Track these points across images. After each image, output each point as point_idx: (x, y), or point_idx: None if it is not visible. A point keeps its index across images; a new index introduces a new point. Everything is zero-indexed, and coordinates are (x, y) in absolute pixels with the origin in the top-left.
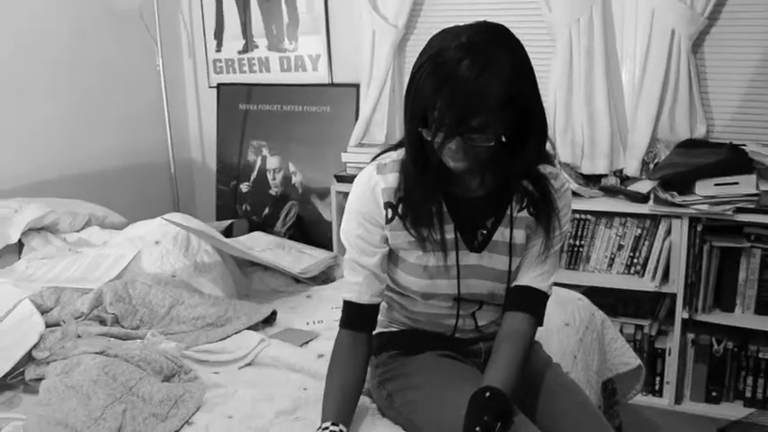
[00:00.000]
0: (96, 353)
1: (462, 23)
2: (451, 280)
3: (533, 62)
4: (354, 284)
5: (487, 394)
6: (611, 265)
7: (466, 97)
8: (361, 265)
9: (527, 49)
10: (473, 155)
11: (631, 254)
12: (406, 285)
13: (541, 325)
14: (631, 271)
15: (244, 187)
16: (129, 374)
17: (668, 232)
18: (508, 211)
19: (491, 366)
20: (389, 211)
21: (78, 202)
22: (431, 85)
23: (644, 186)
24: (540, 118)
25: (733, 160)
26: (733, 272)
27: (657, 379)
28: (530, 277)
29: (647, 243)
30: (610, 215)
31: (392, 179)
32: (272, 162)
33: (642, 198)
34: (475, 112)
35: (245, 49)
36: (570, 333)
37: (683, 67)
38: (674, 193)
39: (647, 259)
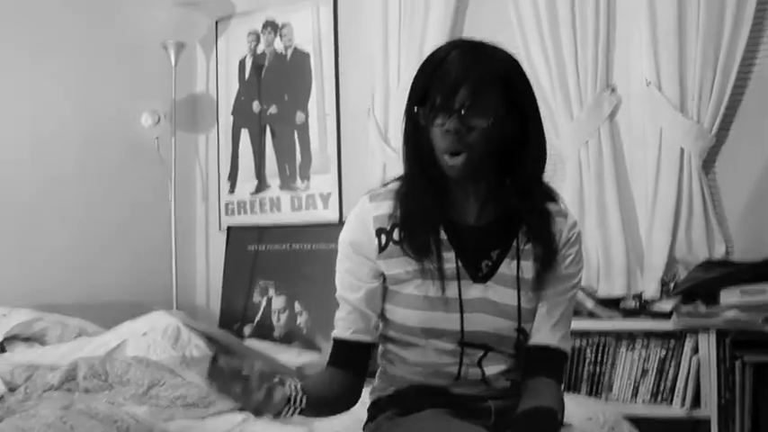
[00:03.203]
0: (59, 408)
1: None
2: (453, 314)
3: None
4: (338, 320)
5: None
6: (635, 393)
7: (456, 73)
8: (345, 300)
9: None
10: (468, 143)
11: (657, 378)
12: (403, 322)
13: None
14: (659, 399)
15: (247, 330)
16: (89, 428)
17: (695, 350)
18: (514, 243)
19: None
20: (383, 237)
21: (71, 318)
22: (423, 76)
23: (665, 306)
24: (536, 128)
25: (758, 269)
26: None
27: None
28: (541, 332)
29: (673, 365)
30: (631, 337)
31: (385, 206)
32: (278, 302)
33: (665, 315)
34: (465, 84)
35: (258, 190)
36: (594, 427)
37: (696, 185)
38: (698, 302)
39: (674, 383)
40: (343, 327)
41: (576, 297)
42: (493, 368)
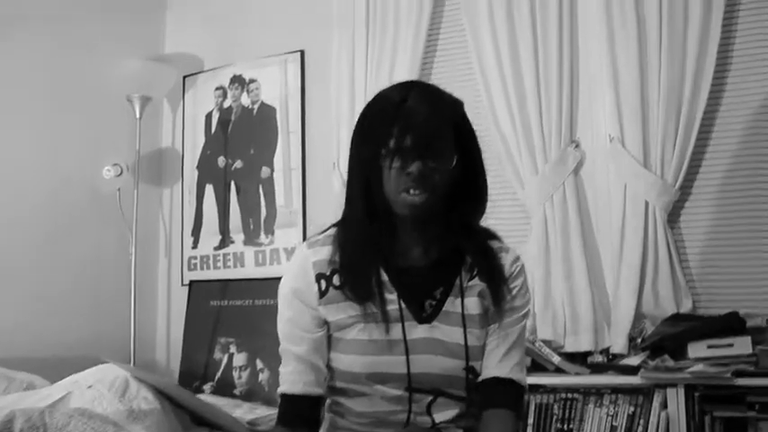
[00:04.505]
0: None
1: None
2: (399, 356)
3: (508, 239)
4: (285, 374)
5: None
6: None
7: (422, 119)
8: (291, 353)
9: (502, 227)
10: (431, 184)
11: None
12: (348, 369)
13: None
14: None
15: (207, 388)
16: None
17: (664, 405)
18: (457, 281)
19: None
20: (322, 283)
21: (19, 372)
22: (383, 118)
23: (633, 360)
24: (481, 169)
25: (725, 322)
26: None
27: None
28: (491, 366)
29: (642, 421)
30: (599, 393)
31: (325, 252)
32: (239, 359)
33: (632, 370)
34: (429, 128)
35: (222, 245)
36: None
37: (661, 239)
38: (666, 356)
39: None
40: (291, 381)
41: (525, 331)
42: (443, 414)
